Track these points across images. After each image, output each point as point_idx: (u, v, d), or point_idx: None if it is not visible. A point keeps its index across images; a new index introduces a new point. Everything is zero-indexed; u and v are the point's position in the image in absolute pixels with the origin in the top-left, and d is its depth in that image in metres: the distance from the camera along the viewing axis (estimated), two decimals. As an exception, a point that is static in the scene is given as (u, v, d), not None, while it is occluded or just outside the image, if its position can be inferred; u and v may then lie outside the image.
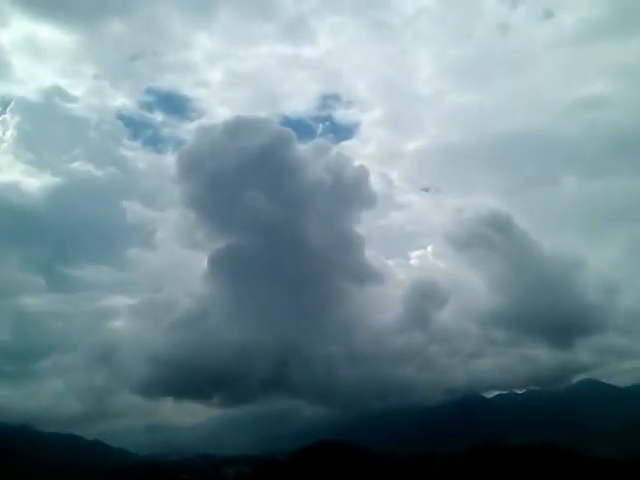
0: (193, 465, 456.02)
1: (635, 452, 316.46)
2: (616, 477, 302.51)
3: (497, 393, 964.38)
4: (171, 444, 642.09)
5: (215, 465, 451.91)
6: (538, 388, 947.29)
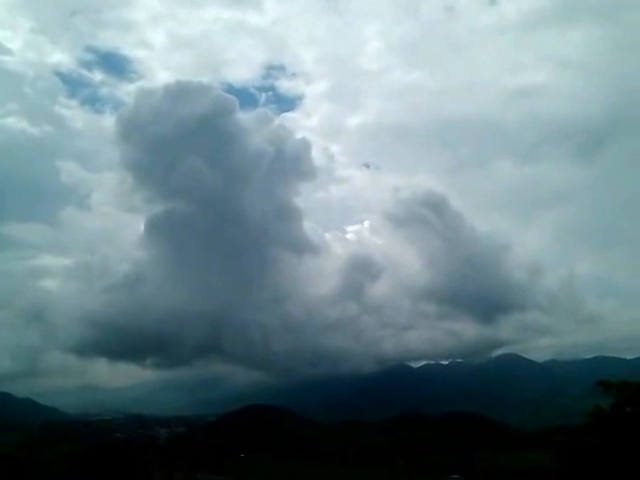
0: (125, 425, 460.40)
1: (547, 422, 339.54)
2: (528, 445, 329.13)
3: (424, 363, 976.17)
4: (104, 404, 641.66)
5: (148, 425, 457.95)
6: (461, 360, 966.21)
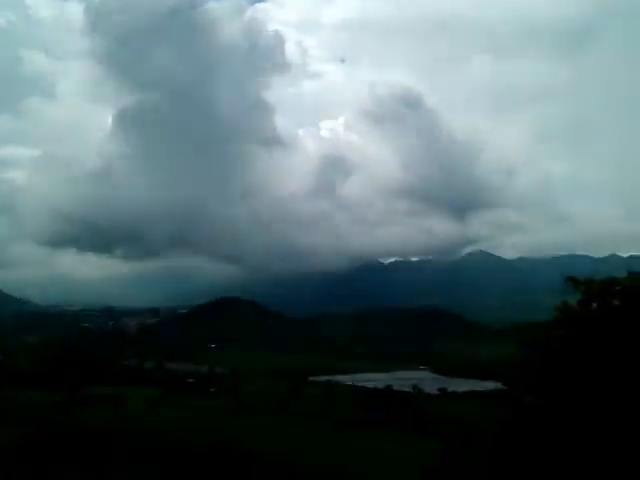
0: (96, 316, 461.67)
1: (515, 318, 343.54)
2: (495, 339, 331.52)
3: (394, 260, 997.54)
4: (74, 296, 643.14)
5: (118, 317, 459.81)
6: (432, 257, 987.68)
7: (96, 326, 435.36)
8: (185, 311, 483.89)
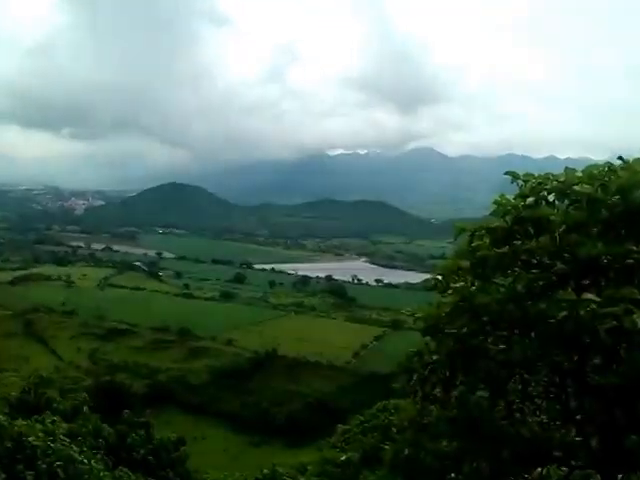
0: (43, 196, 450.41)
1: (454, 215, 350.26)
2: (434, 235, 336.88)
3: (341, 152, 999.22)
4: (19, 175, 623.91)
5: (65, 197, 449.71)
6: (379, 151, 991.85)
7: (43, 206, 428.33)
8: (132, 194, 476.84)
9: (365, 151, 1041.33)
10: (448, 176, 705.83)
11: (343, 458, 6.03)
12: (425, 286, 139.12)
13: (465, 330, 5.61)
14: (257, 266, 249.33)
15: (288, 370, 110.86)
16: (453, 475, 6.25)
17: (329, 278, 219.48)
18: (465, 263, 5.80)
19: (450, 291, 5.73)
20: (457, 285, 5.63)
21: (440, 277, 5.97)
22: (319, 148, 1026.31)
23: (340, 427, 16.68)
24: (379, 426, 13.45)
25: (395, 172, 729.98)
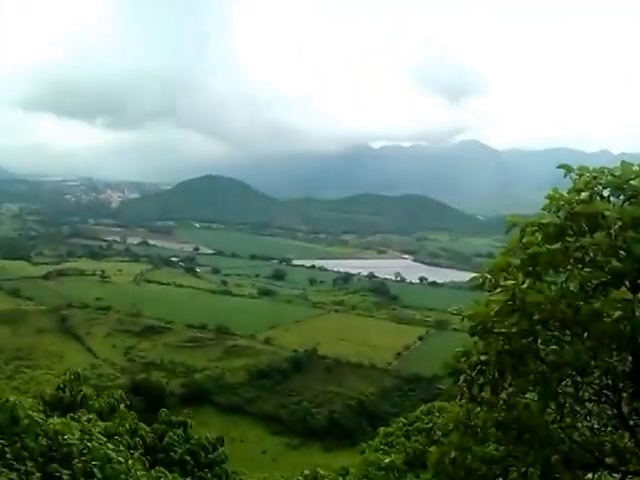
0: (77, 187, 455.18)
1: (501, 211, 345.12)
2: (478, 230, 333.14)
3: (385, 144, 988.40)
4: (53, 165, 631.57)
5: (100, 189, 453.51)
6: (424, 143, 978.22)
7: (77, 197, 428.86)
8: (169, 187, 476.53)
9: (409, 144, 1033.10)
10: (495, 170, 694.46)
11: (387, 461, 5.90)
12: (471, 285, 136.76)
13: (515, 330, 5.38)
14: (297, 262, 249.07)
15: (328, 370, 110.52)
16: (500, 480, 6.04)
17: (371, 276, 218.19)
18: (515, 260, 5.58)
19: (499, 289, 5.51)
20: (507, 283, 5.40)
21: (488, 275, 5.75)
22: (362, 140, 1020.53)
23: (382, 430, 16.49)
24: (423, 429, 13.24)
25: (440, 166, 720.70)
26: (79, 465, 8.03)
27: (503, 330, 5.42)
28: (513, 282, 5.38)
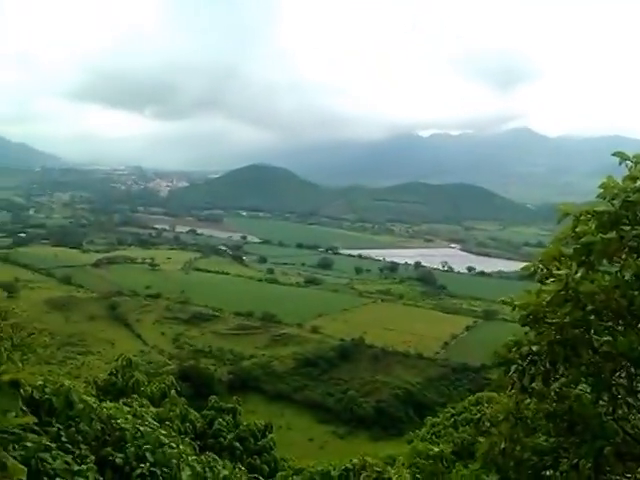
0: (126, 176, 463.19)
1: (551, 199, 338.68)
2: (528, 219, 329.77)
3: (434, 133, 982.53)
4: (102, 155, 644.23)
5: (148, 178, 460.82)
6: (472, 131, 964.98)
7: (126, 186, 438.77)
8: (216, 176, 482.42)
9: (458, 132, 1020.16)
10: (546, 158, 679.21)
11: (435, 450, 5.88)
12: (520, 275, 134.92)
13: (567, 320, 5.28)
14: (343, 251, 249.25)
15: (375, 359, 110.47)
16: (550, 472, 5.95)
17: (418, 265, 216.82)
18: (568, 249, 5.47)
19: (551, 279, 5.41)
20: (560, 272, 5.30)
21: (540, 264, 5.64)
22: (410, 128, 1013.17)
23: (430, 420, 16.41)
24: (471, 419, 13.12)
25: (489, 154, 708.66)
26: (132, 449, 8.21)
27: (555, 320, 5.33)
28: (566, 271, 5.29)
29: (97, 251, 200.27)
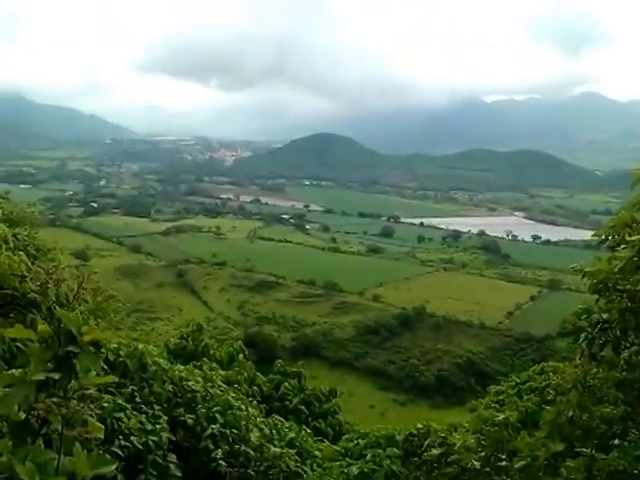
0: (192, 146, 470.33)
1: (620, 165, 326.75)
2: (596, 186, 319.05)
3: (498, 98, 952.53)
4: (169, 126, 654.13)
5: (214, 148, 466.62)
6: (539, 96, 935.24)
7: (192, 156, 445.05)
8: (279, 145, 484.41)
9: (524, 97, 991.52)
10: (617, 123, 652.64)
11: (501, 418, 5.85)
12: (587, 243, 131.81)
13: (640, 287, 5.15)
14: (405, 220, 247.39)
15: (436, 328, 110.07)
16: (618, 441, 5.87)
17: (481, 233, 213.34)
18: (641, 216, 5.29)
19: (623, 245, 5.26)
20: (632, 239, 5.14)
21: (612, 231, 5.49)
22: (474, 94, 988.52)
23: (493, 388, 16.31)
24: (536, 388, 12.99)
25: (557, 119, 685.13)
26: (202, 410, 8.51)
27: (627, 287, 5.21)
28: (639, 238, 5.13)
29: (165, 220, 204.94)
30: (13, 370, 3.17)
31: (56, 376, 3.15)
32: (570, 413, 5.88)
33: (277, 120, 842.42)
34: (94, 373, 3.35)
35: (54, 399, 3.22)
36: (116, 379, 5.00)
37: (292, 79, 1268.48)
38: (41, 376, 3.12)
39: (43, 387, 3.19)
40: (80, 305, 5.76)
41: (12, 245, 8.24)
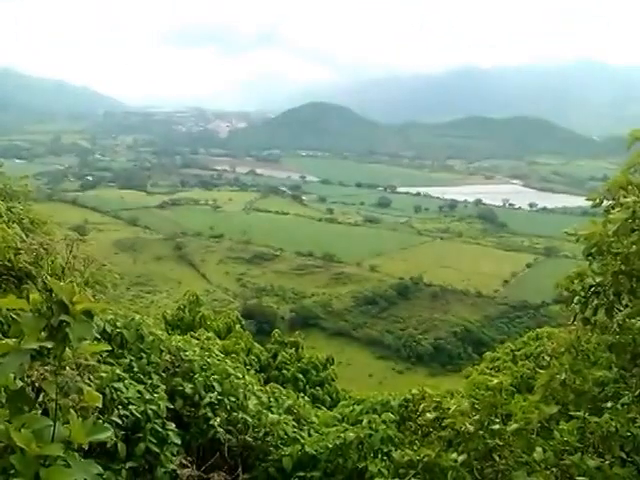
0: (187, 118, 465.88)
1: (617, 130, 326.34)
2: (593, 152, 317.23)
3: (495, 64, 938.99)
4: (164, 97, 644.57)
5: (208, 119, 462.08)
6: (535, 63, 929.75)
7: (187, 128, 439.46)
8: (274, 116, 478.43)
9: (519, 62, 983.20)
10: (614, 89, 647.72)
11: (494, 382, 5.90)
12: (584, 210, 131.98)
13: (633, 249, 5.15)
14: (401, 189, 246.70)
15: (433, 298, 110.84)
16: (611, 404, 5.93)
17: (478, 202, 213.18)
18: (637, 178, 5.27)
19: (618, 208, 5.24)
20: (627, 200, 5.12)
21: (607, 194, 5.46)
22: (469, 60, 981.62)
23: (488, 354, 16.48)
24: (531, 354, 13.15)
25: (553, 85, 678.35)
26: (200, 379, 8.60)
27: (621, 250, 5.21)
28: (634, 199, 5.11)
29: (161, 193, 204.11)
30: (7, 339, 3.19)
31: (49, 345, 3.16)
32: (563, 376, 5.94)
33: (272, 90, 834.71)
34: (88, 342, 3.37)
35: (48, 367, 3.25)
36: (109, 347, 5.04)
37: (287, 44, 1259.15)
38: (34, 345, 3.13)
39: (38, 356, 3.21)
40: (74, 275, 5.78)
41: (6, 218, 8.28)
